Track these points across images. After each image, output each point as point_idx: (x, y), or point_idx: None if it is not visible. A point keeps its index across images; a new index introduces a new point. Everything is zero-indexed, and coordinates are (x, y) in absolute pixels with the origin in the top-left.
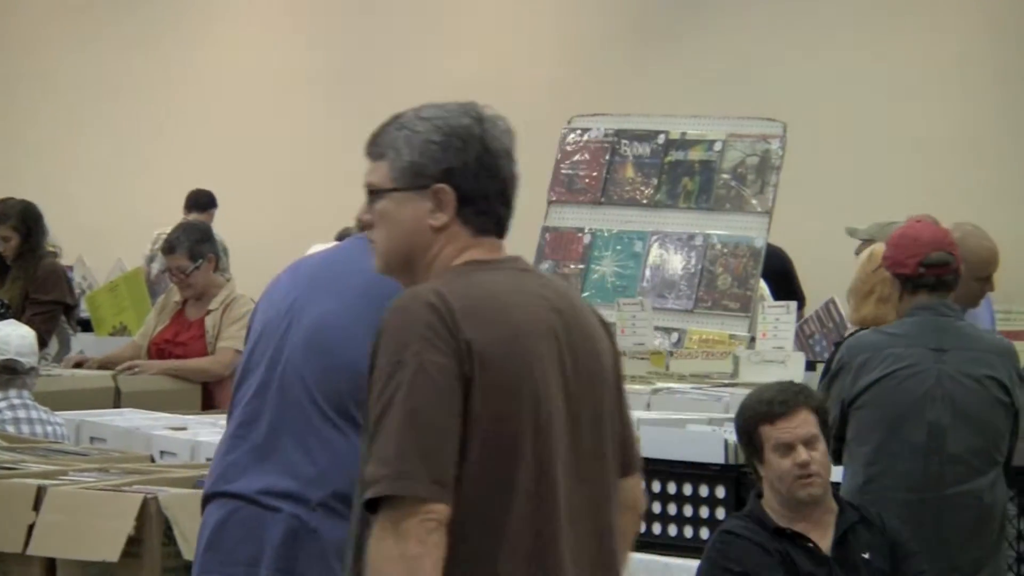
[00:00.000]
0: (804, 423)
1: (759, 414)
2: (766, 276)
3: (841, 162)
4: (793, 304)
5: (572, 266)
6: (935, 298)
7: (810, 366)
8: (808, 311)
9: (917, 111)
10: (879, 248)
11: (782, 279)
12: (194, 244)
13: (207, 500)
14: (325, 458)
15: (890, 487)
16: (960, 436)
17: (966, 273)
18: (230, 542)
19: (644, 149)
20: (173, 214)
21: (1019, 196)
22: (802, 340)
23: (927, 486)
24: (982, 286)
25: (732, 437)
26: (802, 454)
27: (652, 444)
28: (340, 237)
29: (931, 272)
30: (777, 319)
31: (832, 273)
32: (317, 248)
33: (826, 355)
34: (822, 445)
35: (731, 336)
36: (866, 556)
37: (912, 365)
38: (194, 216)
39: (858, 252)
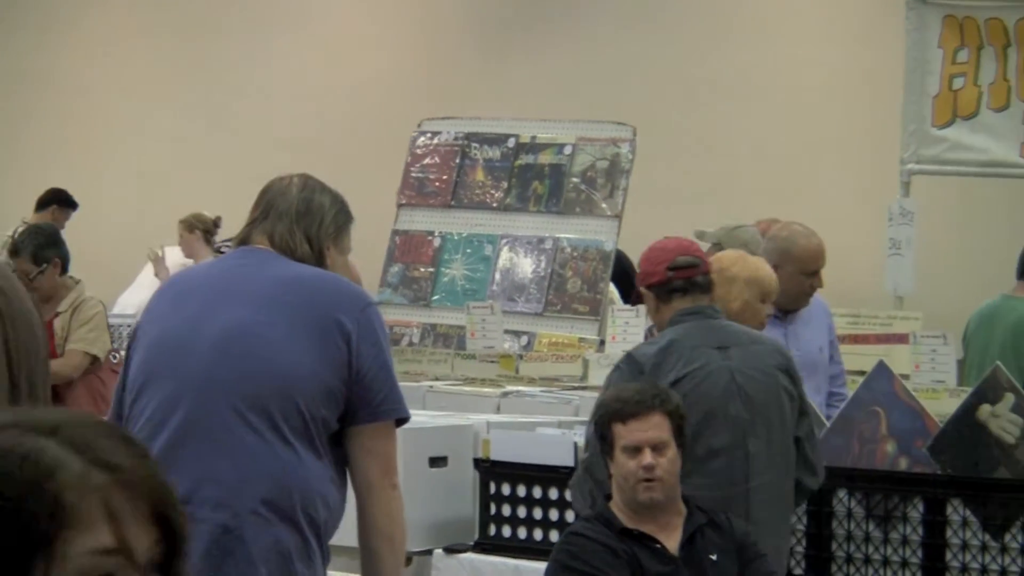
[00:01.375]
0: (656, 427)
1: (613, 412)
2: (614, 279)
3: (691, 166)
4: (642, 308)
5: (422, 269)
6: (690, 300)
7: None
8: None
9: (765, 116)
10: (724, 253)
11: (623, 281)
12: (38, 248)
13: None
14: (248, 464)
15: (702, 485)
16: (760, 429)
17: (795, 269)
18: None
19: (494, 152)
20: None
21: (865, 202)
22: None
23: (735, 481)
24: (811, 281)
25: (582, 440)
26: (647, 457)
27: (502, 447)
28: (219, 250)
29: (679, 275)
30: (627, 322)
31: None
32: (172, 252)
33: None
34: (672, 451)
35: (581, 339)
36: (713, 558)
37: (704, 366)
38: (43, 216)
39: (708, 255)
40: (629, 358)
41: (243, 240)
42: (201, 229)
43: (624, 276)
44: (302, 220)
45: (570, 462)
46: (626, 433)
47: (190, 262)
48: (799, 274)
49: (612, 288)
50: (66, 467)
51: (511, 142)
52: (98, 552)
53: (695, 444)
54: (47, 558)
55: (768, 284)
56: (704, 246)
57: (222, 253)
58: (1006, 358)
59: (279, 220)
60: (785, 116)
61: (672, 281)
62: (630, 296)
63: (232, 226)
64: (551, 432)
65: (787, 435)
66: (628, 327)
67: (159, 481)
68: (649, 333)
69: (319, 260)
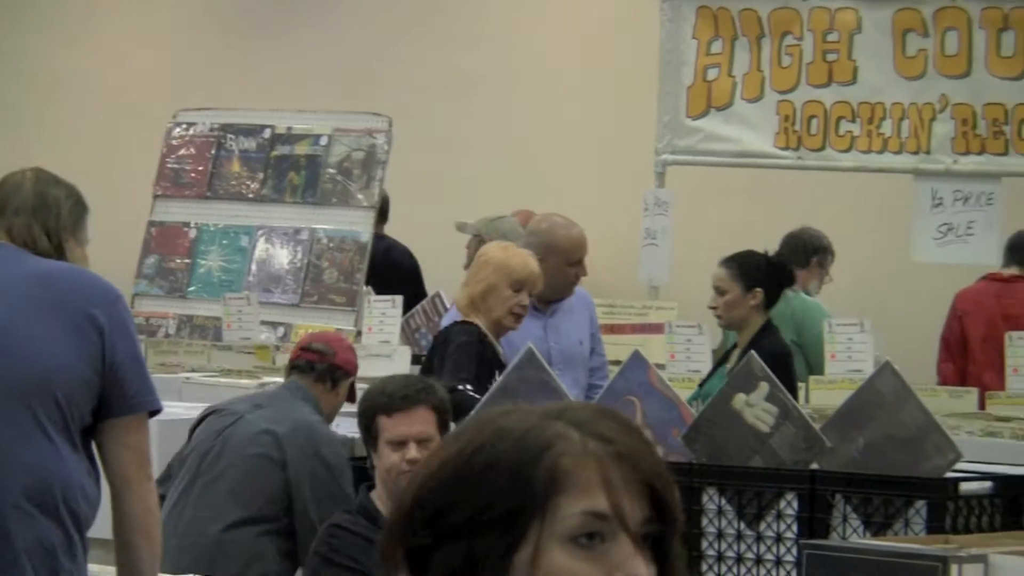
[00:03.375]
0: (422, 421)
1: (378, 405)
2: (398, 276)
3: (450, 157)
4: (399, 298)
5: (178, 260)
6: None
7: (416, 360)
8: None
9: (523, 107)
10: (489, 244)
11: (412, 278)
12: None
13: None
14: (7, 458)
15: None
16: None
17: (559, 260)
18: None
19: (250, 143)
20: None
21: (621, 193)
22: (408, 334)
23: None
24: (576, 270)
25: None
26: (412, 451)
27: None
28: None
29: None
30: (383, 313)
31: (440, 267)
32: None
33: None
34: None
35: (337, 330)
36: None
37: None
38: None
39: (468, 246)
40: None
41: None
42: None
43: (413, 275)
44: (39, 214)
45: None
46: (391, 427)
47: None
48: (564, 264)
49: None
50: (565, 439)
51: (267, 133)
52: (590, 514)
53: None
54: (543, 516)
55: (519, 273)
56: (465, 238)
57: None
58: None
59: (16, 215)
60: (542, 107)
61: None
62: (414, 292)
63: None
64: None
65: None
66: (385, 318)
67: (654, 458)
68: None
69: (59, 253)
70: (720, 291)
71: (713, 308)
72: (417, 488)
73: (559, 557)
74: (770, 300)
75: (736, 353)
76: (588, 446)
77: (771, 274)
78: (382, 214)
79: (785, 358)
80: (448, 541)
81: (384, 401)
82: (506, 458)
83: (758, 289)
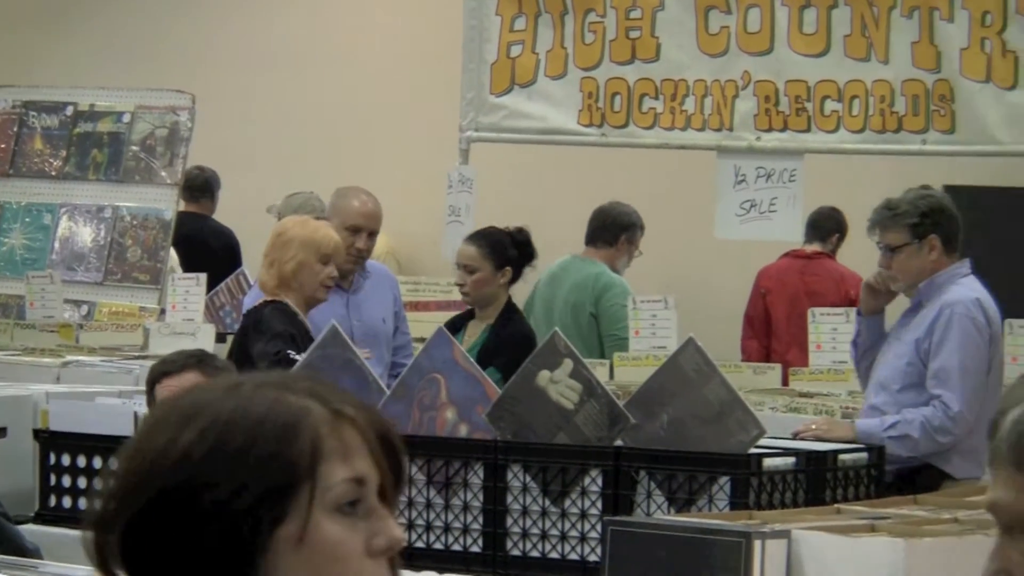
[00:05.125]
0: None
1: (156, 371)
2: (216, 255)
3: (258, 134)
4: (203, 276)
5: None
6: None
7: (220, 338)
8: None
9: (329, 84)
10: (286, 218)
11: (232, 257)
12: None
13: None
14: None
15: None
16: None
17: (338, 224)
18: None
19: (53, 121)
20: None
21: (426, 170)
22: (212, 312)
23: None
24: (354, 240)
25: (143, 409)
26: None
27: (61, 418)
28: None
29: None
30: (187, 291)
31: (252, 245)
32: None
33: (236, 326)
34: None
35: (141, 308)
36: None
37: None
38: None
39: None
40: None
41: None
42: None
43: (233, 253)
44: None
45: (130, 431)
46: (162, 392)
47: None
48: (342, 229)
49: (173, 255)
50: (314, 411)
51: (69, 110)
52: (352, 480)
53: None
54: (311, 488)
55: (326, 247)
56: (272, 220)
57: None
58: (565, 316)
59: None
60: (348, 83)
61: None
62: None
63: None
64: (111, 402)
65: None
66: (189, 295)
67: (390, 423)
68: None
69: None
70: (469, 269)
71: (460, 285)
72: (147, 475)
73: (327, 527)
74: (515, 278)
75: (481, 328)
76: (338, 416)
77: (519, 252)
78: (209, 193)
79: (531, 339)
80: (186, 526)
81: (160, 368)
82: (263, 435)
83: (508, 268)
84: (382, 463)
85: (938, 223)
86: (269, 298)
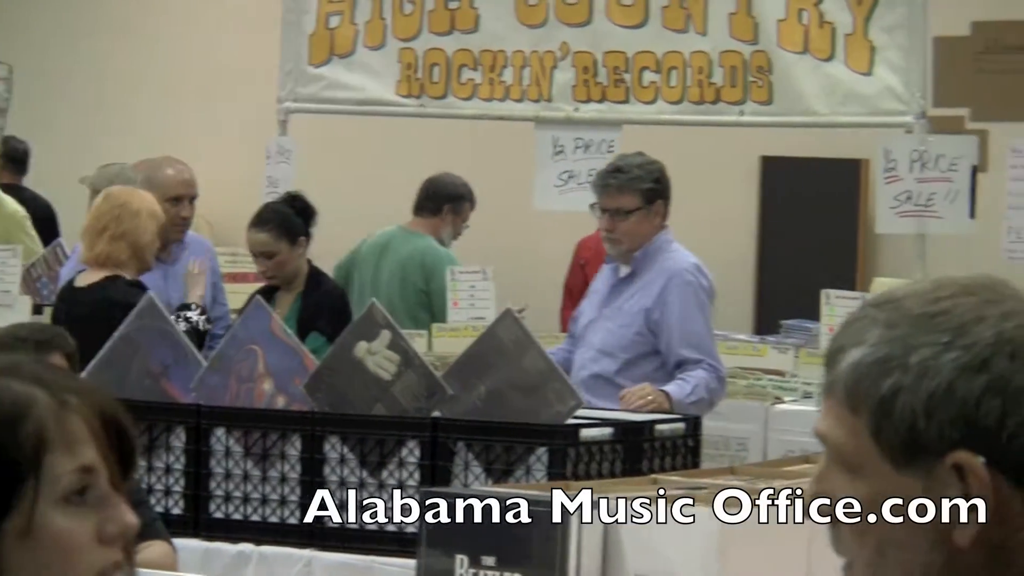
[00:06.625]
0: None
1: (15, 350)
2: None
3: (72, 105)
4: (19, 247)
5: None
6: None
7: (37, 310)
8: None
9: (152, 54)
10: (115, 189)
11: (51, 228)
12: None
13: None
14: None
15: None
16: None
17: (159, 196)
18: None
19: None
20: None
21: (246, 141)
22: (29, 283)
23: None
24: (177, 209)
25: None
26: None
27: None
28: None
29: None
30: (3, 263)
31: (67, 216)
32: None
33: (53, 298)
34: None
35: None
36: None
37: None
38: None
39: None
40: None
41: None
42: None
43: (50, 222)
44: None
45: None
46: None
47: None
48: (163, 200)
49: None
50: (37, 398)
51: None
52: (80, 469)
53: None
54: (36, 481)
55: (162, 217)
56: (86, 192)
57: None
58: (392, 288)
59: None
60: (168, 52)
61: None
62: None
63: None
64: None
65: None
66: (5, 267)
67: (118, 404)
68: None
69: None
70: (268, 255)
71: (263, 272)
72: None
73: (55, 519)
74: (308, 242)
75: (291, 299)
76: (63, 403)
77: (303, 218)
78: (20, 164)
79: (344, 298)
80: None
81: (21, 347)
82: None
83: (301, 238)
84: (111, 449)
85: (665, 190)
86: (110, 273)
